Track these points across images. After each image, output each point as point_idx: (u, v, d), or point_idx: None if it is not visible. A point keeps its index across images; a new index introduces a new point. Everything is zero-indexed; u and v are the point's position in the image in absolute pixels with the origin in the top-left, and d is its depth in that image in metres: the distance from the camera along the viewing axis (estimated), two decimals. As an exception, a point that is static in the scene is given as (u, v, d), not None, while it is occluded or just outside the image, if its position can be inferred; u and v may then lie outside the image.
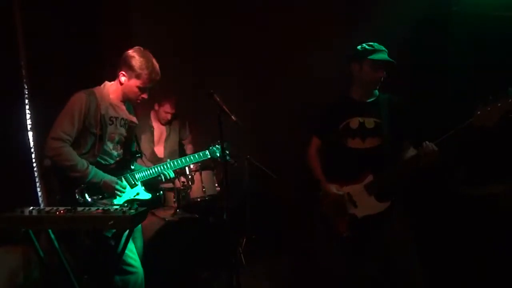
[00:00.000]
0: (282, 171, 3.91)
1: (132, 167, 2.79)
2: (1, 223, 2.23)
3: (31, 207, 2.28)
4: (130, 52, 2.62)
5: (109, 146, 2.68)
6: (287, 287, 3.87)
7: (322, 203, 2.75)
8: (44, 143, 2.55)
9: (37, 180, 3.57)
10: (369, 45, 2.66)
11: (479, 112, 2.27)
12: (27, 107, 3.54)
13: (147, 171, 2.83)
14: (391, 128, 2.60)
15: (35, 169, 3.57)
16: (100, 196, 2.60)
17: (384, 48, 2.65)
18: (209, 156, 3.25)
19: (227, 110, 2.33)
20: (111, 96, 2.68)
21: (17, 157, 3.50)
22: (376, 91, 2.72)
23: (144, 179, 2.81)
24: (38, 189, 3.57)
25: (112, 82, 2.72)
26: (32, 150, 3.56)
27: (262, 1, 4.85)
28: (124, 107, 2.76)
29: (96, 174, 2.55)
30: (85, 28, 3.99)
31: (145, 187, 2.83)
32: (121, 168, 2.73)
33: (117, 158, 2.72)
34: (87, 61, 3.97)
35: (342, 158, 2.71)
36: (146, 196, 2.81)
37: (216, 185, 4.00)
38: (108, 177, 2.60)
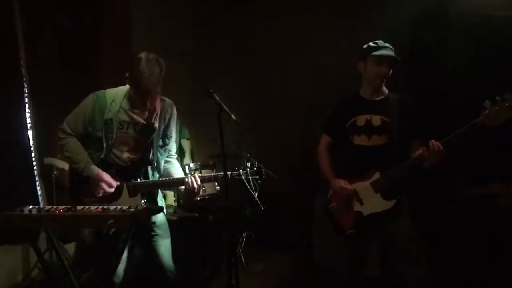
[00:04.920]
0: (282, 171, 3.91)
1: (140, 177, 2.59)
2: (1, 222, 2.22)
3: (31, 206, 2.27)
4: (138, 56, 2.43)
5: (121, 149, 2.58)
6: (286, 287, 3.88)
7: (332, 200, 2.78)
8: None
9: (37, 179, 3.57)
10: (374, 43, 2.67)
11: (487, 112, 2.26)
12: (26, 105, 3.54)
13: (149, 184, 2.60)
14: (400, 128, 2.59)
15: (35, 168, 3.57)
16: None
17: (388, 45, 2.65)
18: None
19: (226, 110, 2.32)
20: (125, 99, 2.55)
21: (17, 156, 3.50)
22: (386, 90, 2.72)
23: (144, 191, 2.60)
24: (38, 188, 3.57)
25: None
26: (32, 149, 3.55)
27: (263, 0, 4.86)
28: (139, 111, 2.55)
29: (93, 168, 2.49)
30: (85, 26, 4.00)
31: (147, 199, 2.61)
32: (126, 174, 2.58)
33: (128, 163, 2.60)
34: (87, 59, 3.97)
35: (348, 155, 2.74)
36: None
37: (216, 184, 4.01)
38: (100, 171, 2.49)
